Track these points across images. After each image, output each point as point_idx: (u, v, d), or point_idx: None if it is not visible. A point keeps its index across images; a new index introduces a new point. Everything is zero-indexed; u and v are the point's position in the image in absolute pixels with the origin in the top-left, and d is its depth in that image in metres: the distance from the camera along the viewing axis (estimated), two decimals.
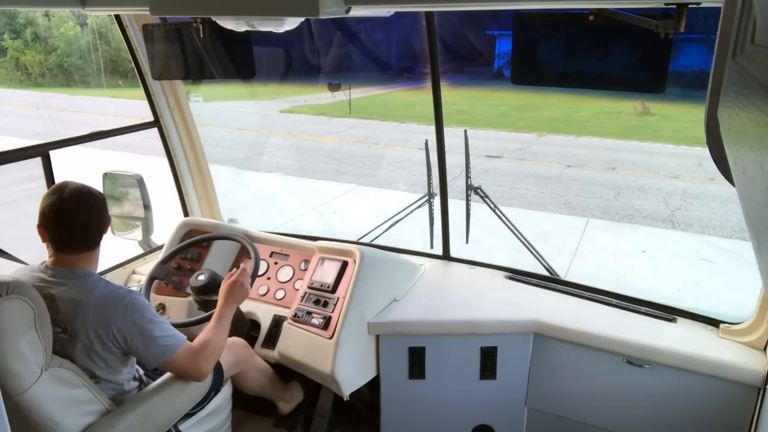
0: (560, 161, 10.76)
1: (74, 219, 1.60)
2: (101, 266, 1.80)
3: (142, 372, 1.88)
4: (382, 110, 16.77)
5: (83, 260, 1.64)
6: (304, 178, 9.98)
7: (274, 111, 16.55)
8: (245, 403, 2.32)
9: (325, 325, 2.09)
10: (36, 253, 1.86)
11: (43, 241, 1.63)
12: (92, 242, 1.66)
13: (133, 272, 2.69)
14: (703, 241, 6.80)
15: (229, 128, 13.56)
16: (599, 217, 7.71)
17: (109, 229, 1.76)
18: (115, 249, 2.44)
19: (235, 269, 1.98)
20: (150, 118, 2.72)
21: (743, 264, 5.89)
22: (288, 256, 2.50)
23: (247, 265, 2.04)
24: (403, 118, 15.14)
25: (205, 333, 1.79)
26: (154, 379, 1.80)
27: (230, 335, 2.20)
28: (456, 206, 2.67)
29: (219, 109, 15.30)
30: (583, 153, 11.44)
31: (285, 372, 2.27)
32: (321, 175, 10.03)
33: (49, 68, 20.32)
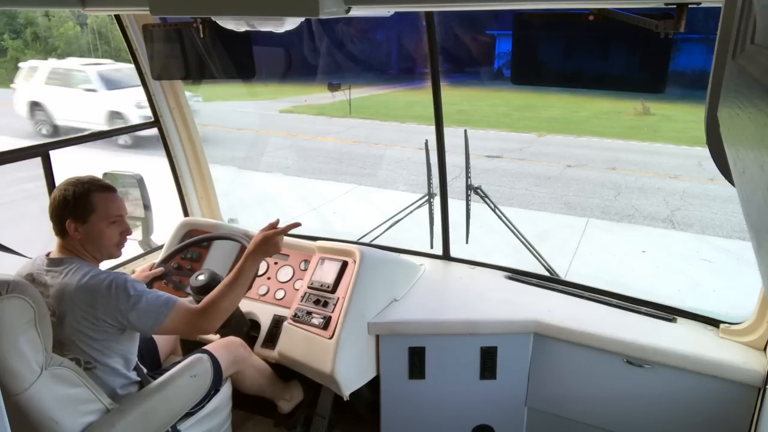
0: (560, 161, 10.73)
1: (53, 209, 1.72)
2: (102, 266, 1.82)
3: (145, 371, 1.88)
4: (382, 110, 16.75)
5: (75, 250, 1.73)
6: (304, 178, 9.94)
7: (274, 111, 16.53)
8: (245, 403, 2.32)
9: (325, 325, 2.09)
10: (36, 253, 1.86)
11: None
12: (63, 230, 1.72)
13: (133, 272, 2.68)
14: (703, 241, 6.77)
15: (228, 128, 13.56)
16: (599, 217, 7.68)
17: None
18: None
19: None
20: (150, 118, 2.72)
21: (743, 264, 5.89)
22: (288, 256, 2.50)
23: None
24: (403, 118, 15.11)
25: (216, 290, 1.80)
26: (155, 378, 1.80)
27: (229, 335, 2.21)
28: (456, 206, 2.66)
29: (218, 109, 15.30)
30: (583, 153, 11.41)
31: (284, 371, 2.27)
32: (321, 175, 10.00)
33: None
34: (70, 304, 1.62)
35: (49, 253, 1.75)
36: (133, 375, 1.80)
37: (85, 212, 1.70)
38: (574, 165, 10.48)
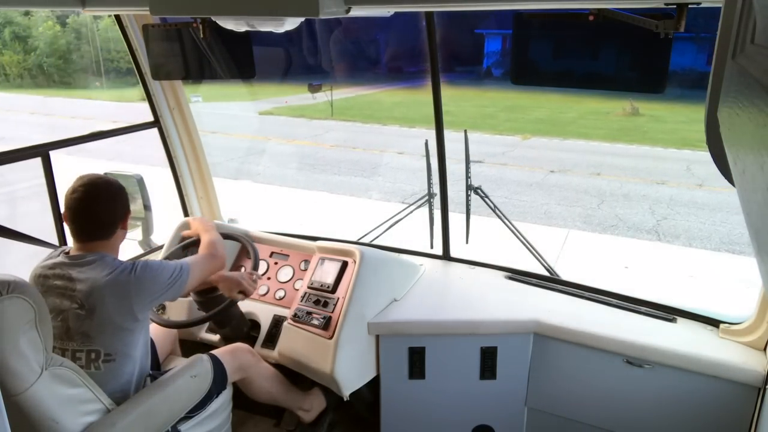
0: (543, 166, 10.43)
1: (85, 210, 1.70)
2: None
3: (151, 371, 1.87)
4: (365, 111, 16.40)
5: (100, 248, 1.72)
6: (273, 185, 9.37)
7: (253, 113, 15.93)
8: (245, 403, 2.31)
9: (325, 325, 2.09)
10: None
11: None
12: (105, 232, 1.73)
13: None
14: (689, 256, 6.45)
15: (203, 132, 13.12)
16: (581, 228, 7.35)
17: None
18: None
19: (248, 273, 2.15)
20: (150, 118, 2.71)
21: (733, 282, 5.57)
22: (288, 256, 2.50)
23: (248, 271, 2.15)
24: (385, 120, 14.77)
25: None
26: (155, 378, 1.80)
27: (231, 336, 2.22)
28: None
29: (198, 112, 14.88)
30: (568, 157, 11.15)
31: (304, 380, 2.23)
32: (292, 182, 9.54)
33: (27, 69, 19.77)
34: (100, 296, 1.63)
35: (68, 251, 1.73)
36: (147, 367, 1.80)
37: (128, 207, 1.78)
38: (558, 170, 10.20)
